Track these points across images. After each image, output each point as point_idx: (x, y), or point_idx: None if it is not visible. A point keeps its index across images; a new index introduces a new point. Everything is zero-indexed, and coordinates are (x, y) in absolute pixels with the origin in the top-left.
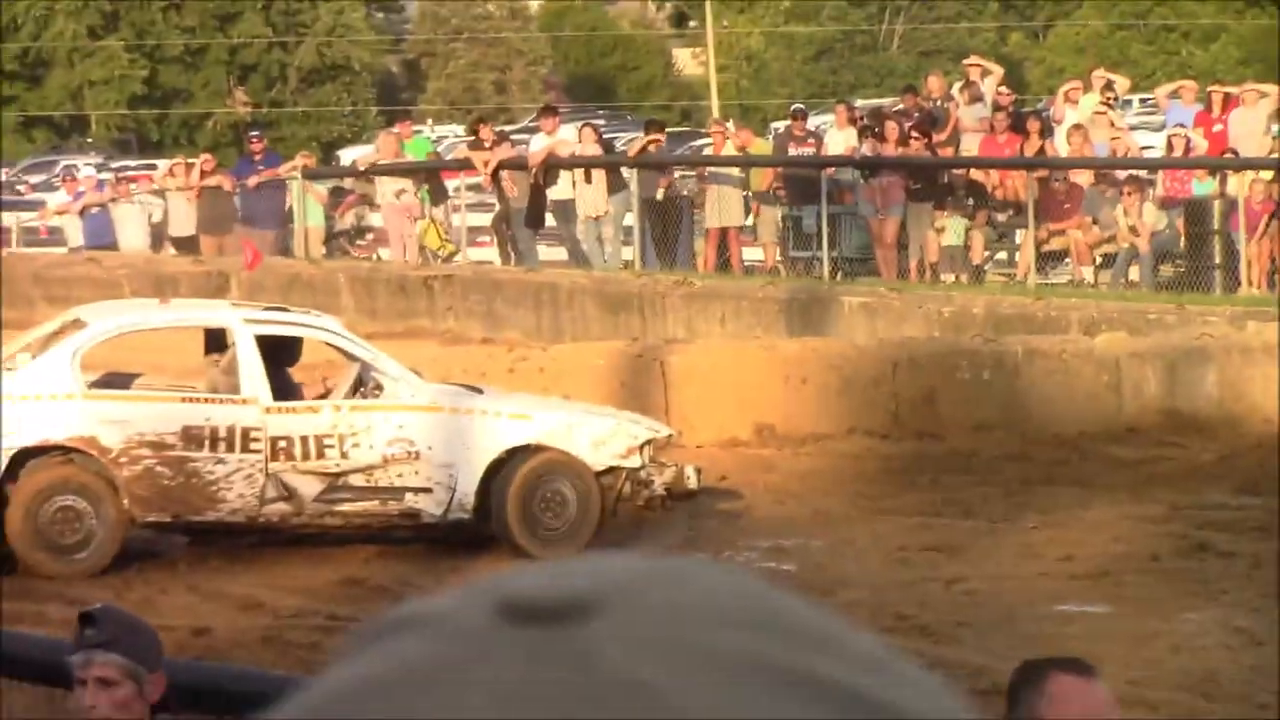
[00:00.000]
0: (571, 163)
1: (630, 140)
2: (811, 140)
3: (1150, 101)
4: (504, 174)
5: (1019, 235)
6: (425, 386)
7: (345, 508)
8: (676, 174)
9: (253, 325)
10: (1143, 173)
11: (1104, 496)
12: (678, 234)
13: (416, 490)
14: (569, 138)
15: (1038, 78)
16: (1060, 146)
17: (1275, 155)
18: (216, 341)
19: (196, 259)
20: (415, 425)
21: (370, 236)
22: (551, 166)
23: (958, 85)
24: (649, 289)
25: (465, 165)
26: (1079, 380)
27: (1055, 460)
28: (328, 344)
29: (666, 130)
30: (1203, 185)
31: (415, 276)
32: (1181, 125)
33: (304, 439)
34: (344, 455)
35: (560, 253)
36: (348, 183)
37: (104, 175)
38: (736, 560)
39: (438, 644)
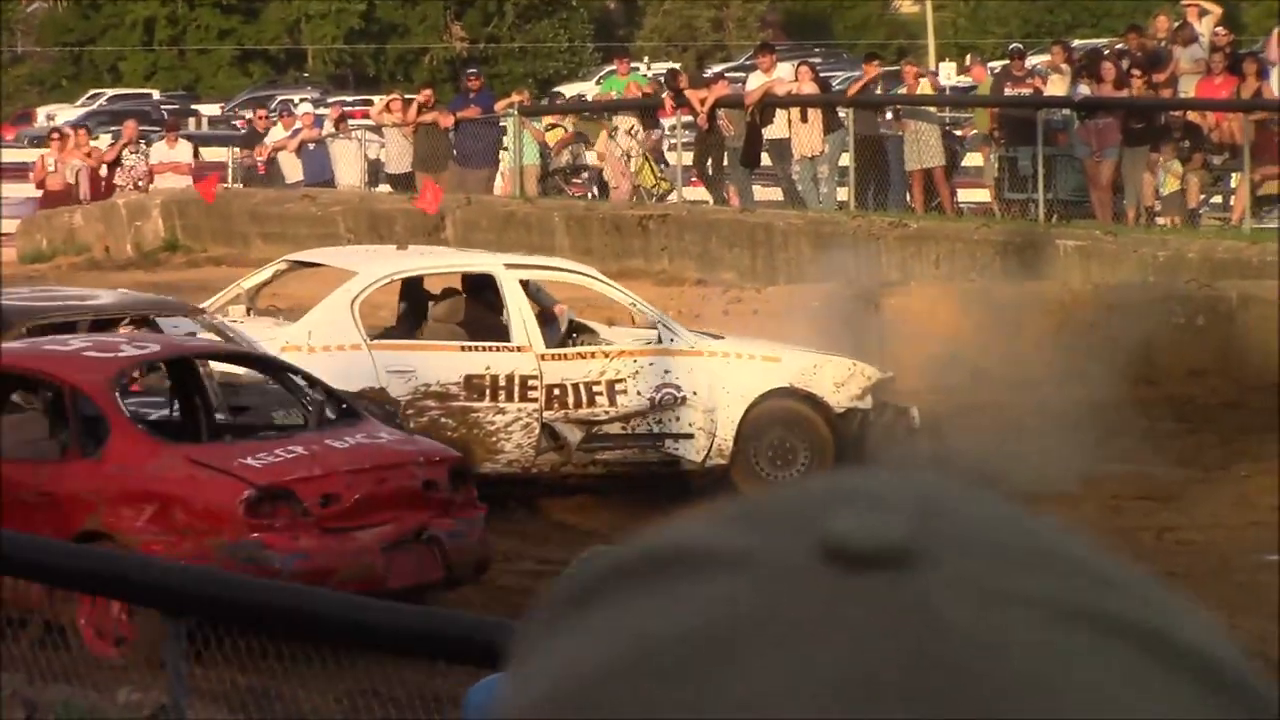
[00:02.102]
0: (788, 101)
1: (847, 79)
2: (1029, 80)
3: None
4: (720, 112)
5: (1234, 179)
6: (683, 331)
7: (606, 455)
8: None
9: (516, 271)
10: None
11: None
12: (888, 175)
13: (678, 436)
14: (785, 76)
15: (1255, 18)
16: (1275, 88)
17: None
18: (480, 287)
19: (412, 196)
20: (680, 370)
21: (586, 174)
22: (768, 105)
23: (1177, 24)
24: (864, 230)
25: (683, 103)
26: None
27: (1270, 407)
28: (589, 289)
29: (883, 68)
30: None
31: (631, 216)
32: None
33: (576, 386)
34: (612, 402)
35: (776, 193)
36: (565, 120)
37: (321, 111)
38: None
39: (765, 590)
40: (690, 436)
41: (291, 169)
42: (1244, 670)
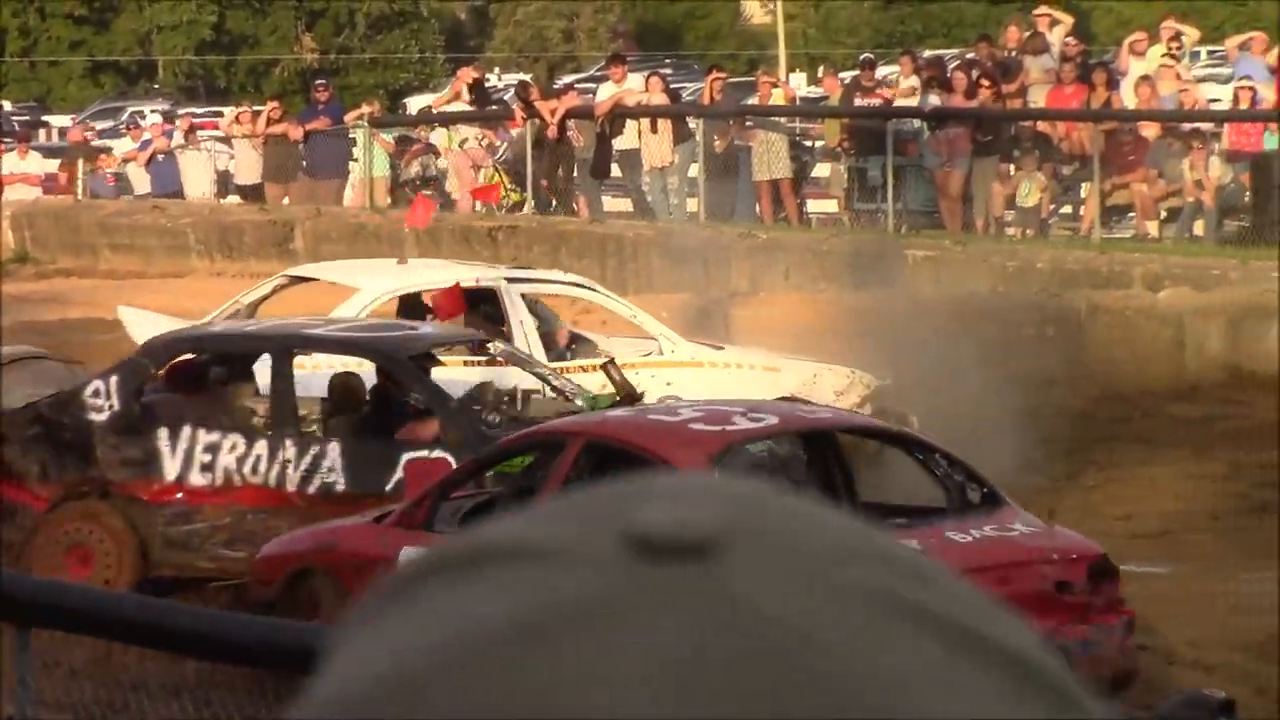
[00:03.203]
0: (639, 112)
1: (698, 90)
2: (879, 90)
3: (1219, 53)
4: (570, 123)
5: (1084, 188)
6: (683, 342)
7: None
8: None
9: (518, 285)
10: (1209, 126)
11: (1165, 454)
12: (736, 186)
13: None
14: (636, 86)
15: (1106, 28)
16: (1127, 98)
17: None
18: (480, 301)
19: (262, 207)
20: (682, 381)
21: (435, 185)
22: (618, 116)
23: (1028, 34)
24: (713, 241)
25: (534, 113)
26: (1142, 336)
27: (1116, 417)
28: (590, 301)
29: (729, 80)
30: (1273, 139)
31: (480, 227)
32: (1249, 77)
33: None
34: None
35: (625, 204)
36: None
37: (171, 123)
38: None
39: (575, 581)
40: None
41: (140, 181)
42: (1055, 668)
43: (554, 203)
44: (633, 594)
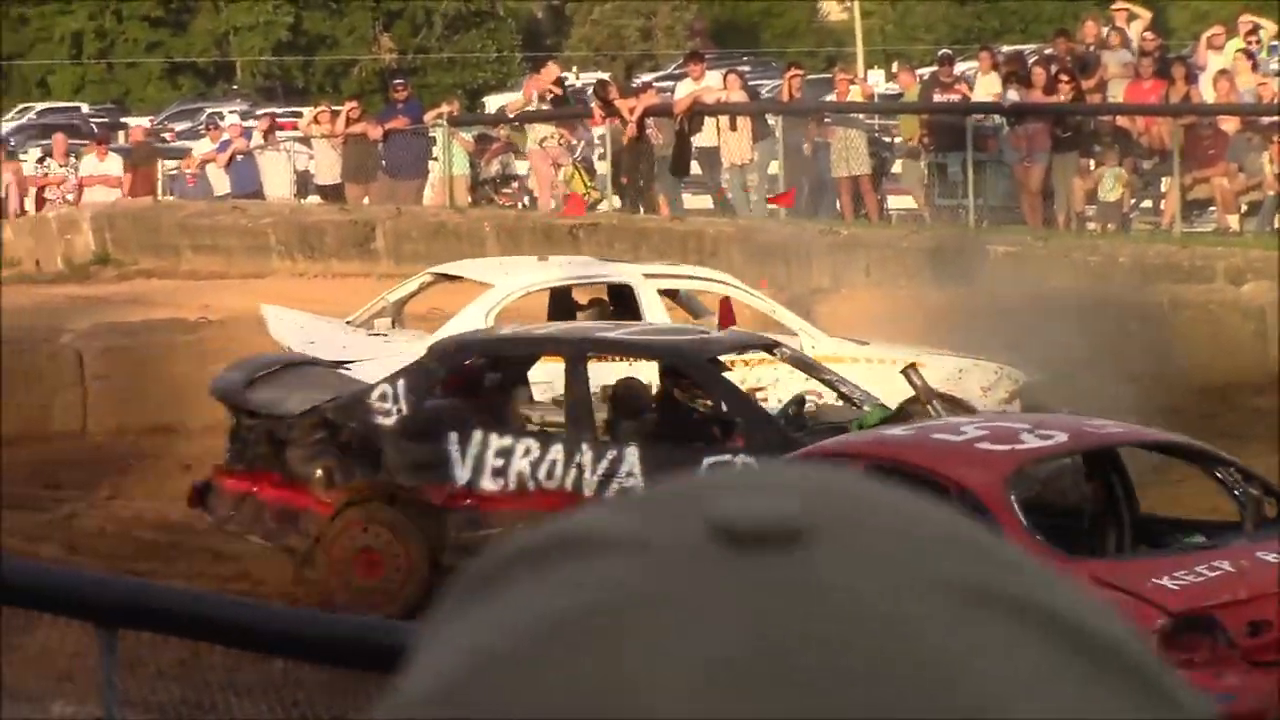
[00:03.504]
0: (717, 109)
1: (775, 87)
2: (957, 86)
3: None
4: (649, 121)
5: (1164, 183)
6: (824, 338)
7: None
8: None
9: (654, 280)
10: None
11: (1252, 447)
12: (821, 182)
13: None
14: (714, 84)
15: (1183, 22)
16: (1205, 92)
17: None
18: (618, 298)
19: (342, 207)
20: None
21: (516, 184)
22: (696, 113)
23: (1106, 30)
24: (794, 237)
25: (612, 112)
26: (1225, 330)
27: (1203, 412)
28: (727, 297)
29: (807, 77)
30: None
31: (560, 224)
32: None
33: None
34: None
35: (706, 201)
36: (494, 130)
37: (249, 123)
38: None
39: (654, 570)
40: None
41: (220, 182)
42: (1151, 661)
43: (634, 200)
44: (716, 583)
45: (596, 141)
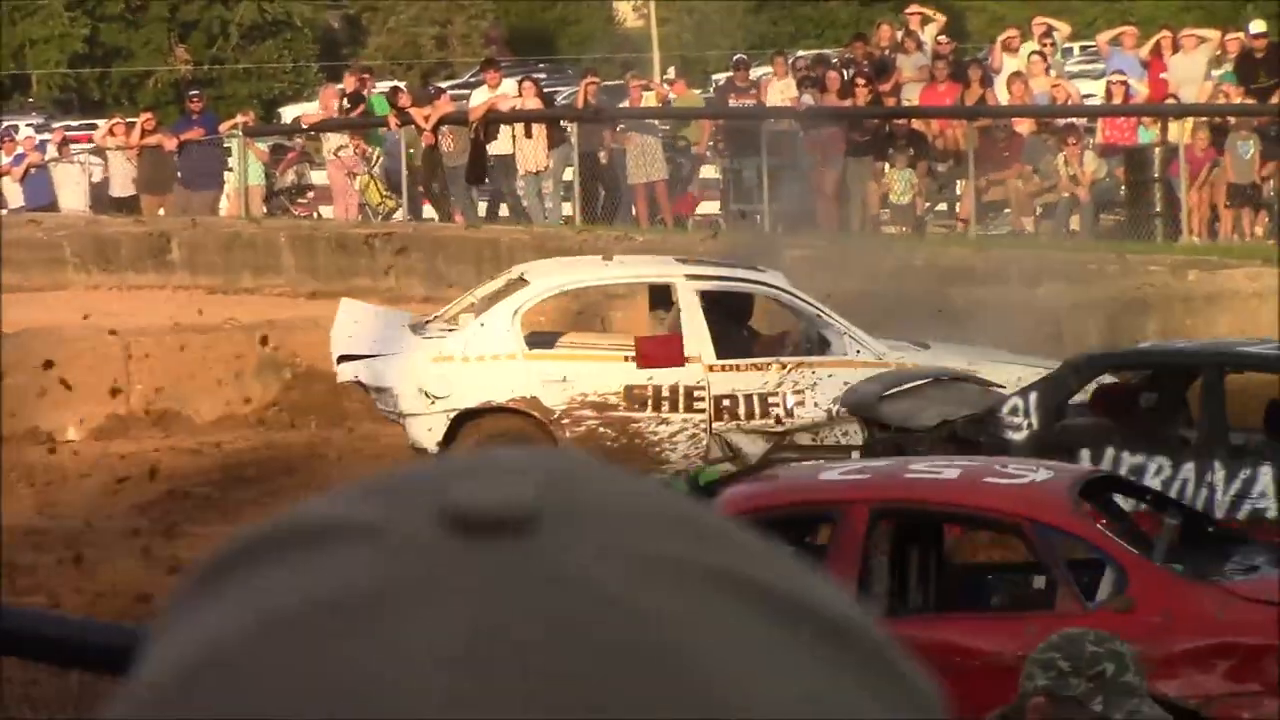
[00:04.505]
0: (512, 117)
1: (571, 94)
2: (752, 92)
3: (1091, 49)
4: (444, 129)
5: (959, 186)
6: (871, 342)
7: None
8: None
9: (695, 281)
10: (1083, 121)
11: None
12: (617, 189)
13: (860, 449)
14: (509, 91)
15: (979, 26)
16: (1000, 95)
17: (1216, 101)
18: (662, 298)
19: (137, 219)
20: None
21: (311, 194)
22: (492, 121)
23: (900, 34)
24: (589, 244)
25: (408, 120)
26: (1020, 332)
27: None
28: (773, 300)
29: (603, 84)
30: (1146, 133)
31: (356, 234)
32: (1121, 72)
33: (748, 397)
34: (788, 414)
35: (501, 209)
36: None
37: (44, 135)
38: None
39: (387, 560)
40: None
41: (14, 195)
42: (876, 635)
43: (430, 209)
44: (448, 571)
45: (392, 150)
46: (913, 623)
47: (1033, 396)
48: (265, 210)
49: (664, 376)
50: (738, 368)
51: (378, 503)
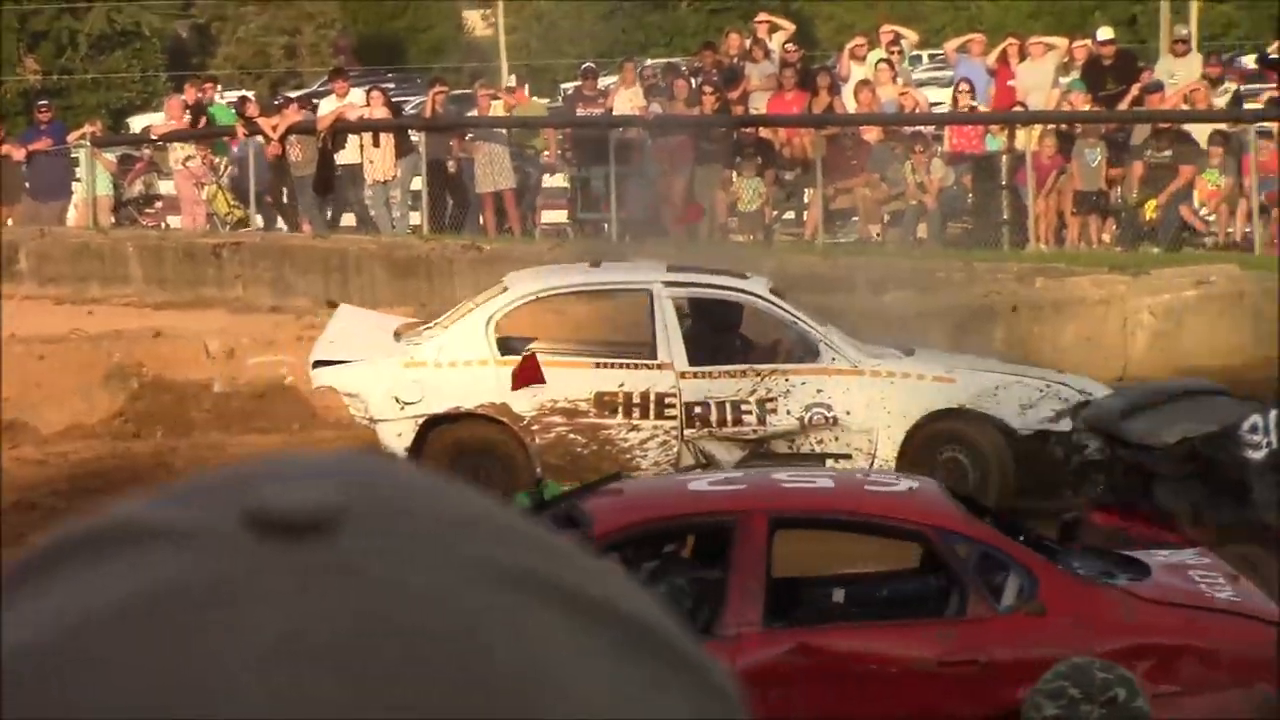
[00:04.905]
0: (359, 126)
1: (420, 103)
2: (601, 100)
3: (939, 56)
4: (291, 138)
5: (807, 194)
6: (849, 348)
7: None
8: (468, 137)
9: (673, 288)
10: (931, 129)
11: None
12: (465, 198)
13: (837, 456)
14: (357, 101)
15: (827, 34)
16: (848, 103)
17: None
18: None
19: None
20: (834, 389)
21: (159, 204)
22: (340, 131)
23: (749, 42)
24: (437, 254)
25: (254, 130)
26: (866, 341)
27: None
28: (750, 306)
29: (452, 93)
30: (994, 140)
31: (203, 244)
32: (967, 80)
33: (720, 404)
34: (761, 421)
35: (349, 218)
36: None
37: None
38: None
39: (195, 561)
40: (848, 457)
41: None
42: (678, 635)
43: (278, 219)
44: (255, 572)
45: (239, 161)
46: (827, 633)
47: (1273, 414)
48: (113, 220)
49: (635, 383)
50: (710, 374)
51: (187, 505)
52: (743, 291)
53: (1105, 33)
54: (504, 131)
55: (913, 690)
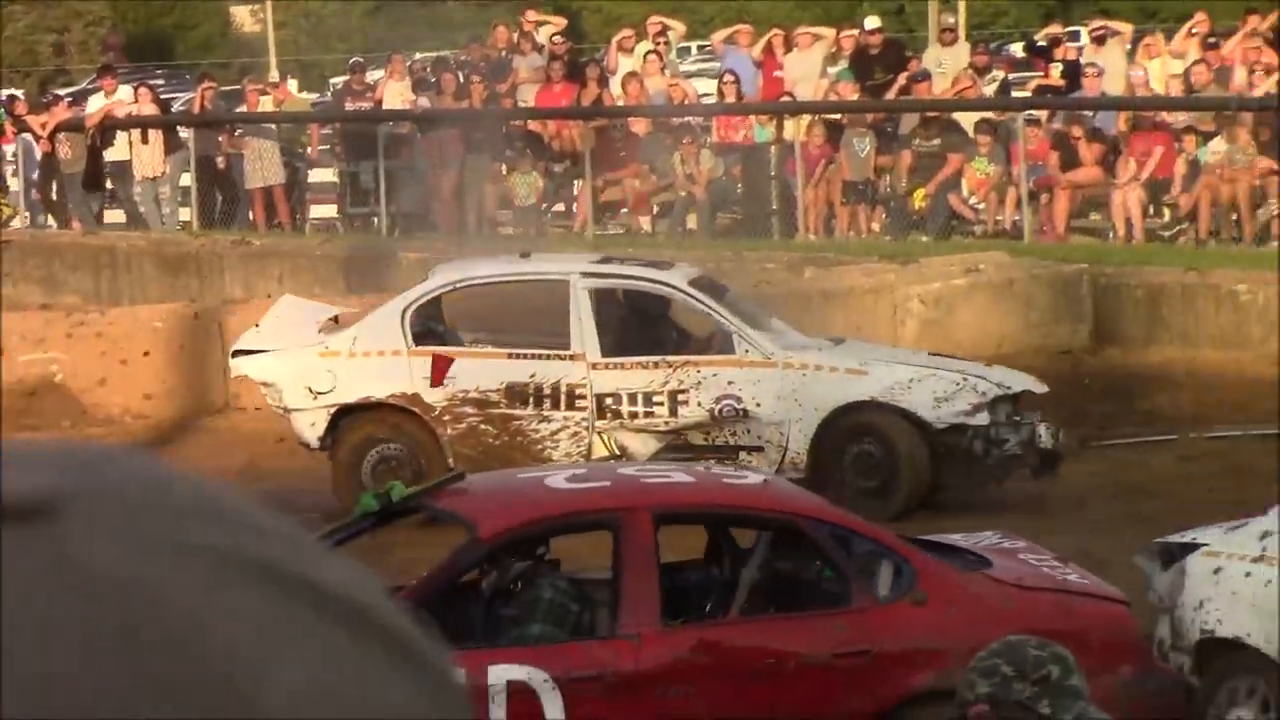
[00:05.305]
0: (128, 123)
1: (189, 99)
2: (369, 94)
3: (707, 48)
4: (60, 136)
5: (576, 186)
6: (762, 341)
7: None
8: (237, 132)
9: (590, 280)
10: (700, 120)
11: None
12: (234, 193)
13: (750, 449)
14: (125, 98)
15: (595, 26)
16: (617, 95)
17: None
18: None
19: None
20: (745, 382)
21: None
22: (109, 128)
23: (516, 35)
24: (207, 249)
25: (23, 128)
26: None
27: None
28: (668, 299)
29: (221, 89)
30: (762, 131)
31: None
32: (732, 71)
33: (631, 396)
34: (673, 413)
35: (119, 215)
36: None
37: None
38: None
39: None
40: (761, 450)
41: None
42: (393, 616)
43: (48, 216)
44: None
45: (11, 159)
46: (722, 628)
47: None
48: None
49: (545, 374)
50: (623, 366)
51: None
52: (659, 283)
53: (872, 22)
54: (273, 127)
55: (809, 685)
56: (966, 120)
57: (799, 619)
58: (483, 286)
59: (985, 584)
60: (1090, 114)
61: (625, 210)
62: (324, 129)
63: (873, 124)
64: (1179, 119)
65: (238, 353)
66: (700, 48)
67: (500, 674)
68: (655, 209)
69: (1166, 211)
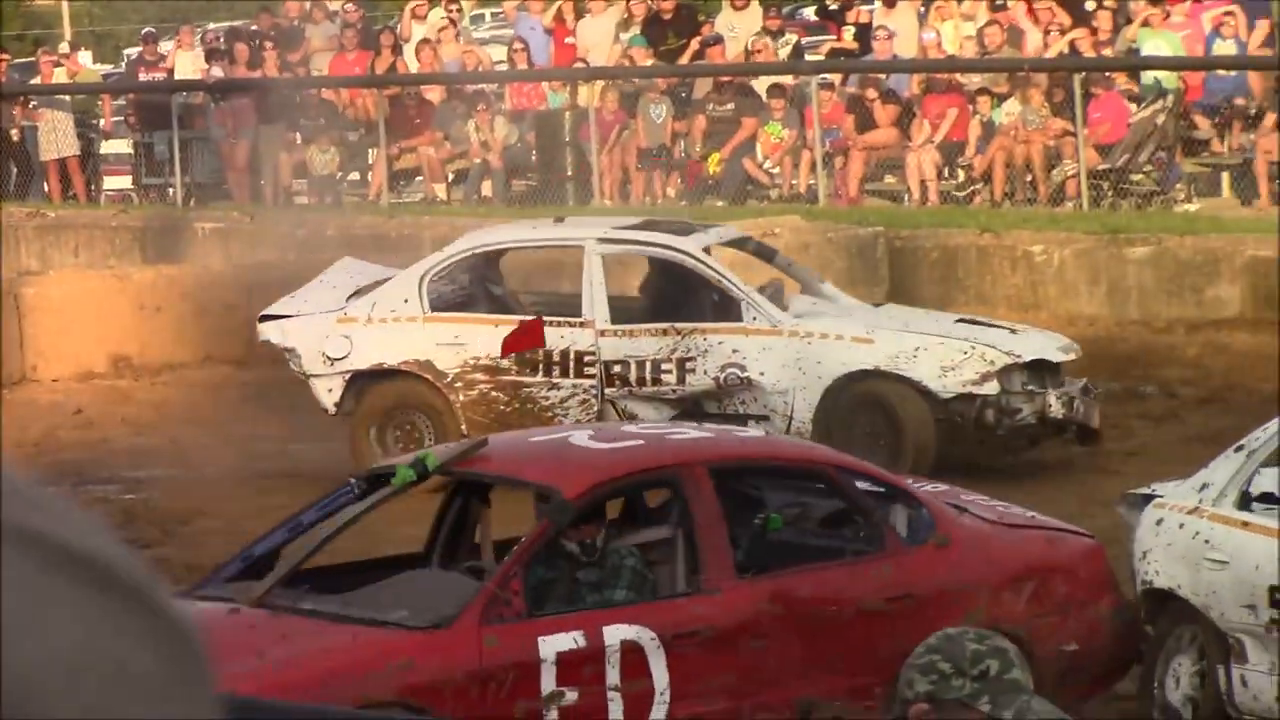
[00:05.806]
0: None
1: None
2: (162, 65)
3: (500, 15)
4: None
5: (371, 154)
6: (771, 310)
7: None
8: (31, 104)
9: (605, 245)
10: (492, 87)
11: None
12: (29, 165)
13: (757, 418)
14: None
15: None
16: (410, 63)
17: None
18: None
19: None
20: (750, 350)
21: None
22: None
23: (309, 4)
24: (1, 221)
25: None
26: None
27: None
28: (679, 265)
29: (14, 61)
30: (556, 97)
31: None
32: (521, 39)
33: (640, 363)
34: (680, 381)
35: None
36: None
37: None
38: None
39: None
40: (766, 418)
41: None
42: (134, 568)
43: None
44: None
45: None
46: (788, 578)
47: None
48: None
49: (554, 341)
50: (631, 333)
51: None
52: (673, 249)
53: None
54: (67, 99)
55: (869, 629)
56: (760, 85)
57: (851, 565)
58: (500, 253)
59: (983, 525)
60: (884, 77)
61: (420, 178)
62: (117, 100)
63: (667, 89)
64: (973, 81)
65: (265, 318)
66: (494, 15)
67: (615, 634)
68: (451, 176)
69: (961, 173)
